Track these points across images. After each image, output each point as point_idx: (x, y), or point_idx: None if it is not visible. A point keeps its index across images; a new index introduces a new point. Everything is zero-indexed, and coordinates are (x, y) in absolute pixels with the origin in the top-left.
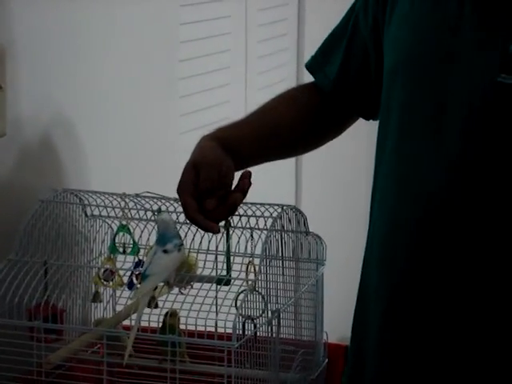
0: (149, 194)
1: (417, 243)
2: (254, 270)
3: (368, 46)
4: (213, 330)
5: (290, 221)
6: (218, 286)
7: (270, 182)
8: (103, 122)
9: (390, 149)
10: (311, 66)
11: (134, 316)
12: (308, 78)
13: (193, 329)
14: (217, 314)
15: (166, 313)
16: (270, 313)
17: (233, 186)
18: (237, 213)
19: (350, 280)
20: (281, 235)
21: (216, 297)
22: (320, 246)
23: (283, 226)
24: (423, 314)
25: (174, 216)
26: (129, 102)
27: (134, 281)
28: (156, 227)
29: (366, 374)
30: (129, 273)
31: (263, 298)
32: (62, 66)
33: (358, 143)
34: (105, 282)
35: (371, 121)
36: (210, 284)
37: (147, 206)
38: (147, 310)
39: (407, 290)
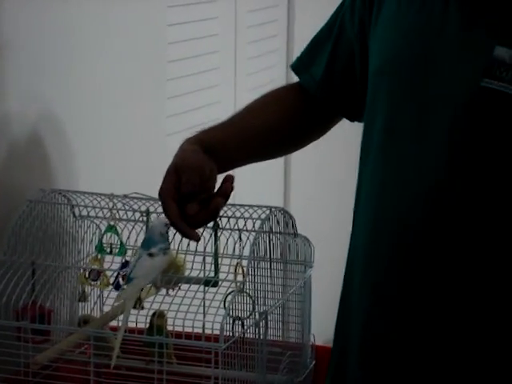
0: (137, 195)
1: (401, 244)
2: (242, 271)
3: (354, 47)
4: (200, 331)
5: (278, 223)
6: (206, 288)
7: (258, 183)
8: (91, 122)
9: (375, 151)
10: (297, 67)
11: (121, 317)
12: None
13: (180, 330)
14: (204, 316)
15: (154, 314)
16: (257, 314)
17: (215, 190)
18: (225, 214)
19: (337, 282)
20: (269, 237)
21: (204, 298)
22: (308, 248)
23: (271, 228)
24: (407, 314)
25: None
26: (117, 102)
27: (121, 282)
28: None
29: (348, 373)
30: (116, 273)
31: (251, 299)
32: (51, 67)
33: (347, 145)
34: (92, 282)
35: (356, 122)
36: (197, 285)
37: (135, 206)
38: (134, 311)
39: (390, 291)
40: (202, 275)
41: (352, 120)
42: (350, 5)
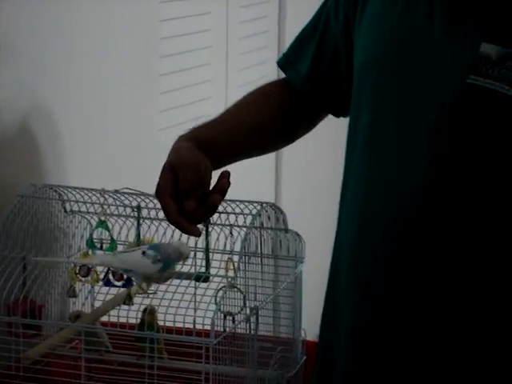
0: (128, 191)
1: (387, 239)
2: (233, 266)
3: (339, 44)
4: (191, 326)
5: (269, 218)
6: (197, 283)
7: (249, 179)
8: (83, 117)
9: (361, 147)
10: (283, 63)
11: (112, 312)
12: None
13: (171, 325)
14: (195, 311)
15: (145, 309)
16: (248, 310)
17: (211, 186)
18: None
19: None
20: (260, 232)
21: (195, 293)
22: (299, 243)
23: (262, 224)
24: (394, 309)
25: (154, 212)
26: (109, 98)
27: (111, 277)
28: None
29: (335, 369)
30: (105, 269)
31: (242, 294)
32: (43, 62)
33: (337, 141)
34: (82, 278)
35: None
36: (188, 280)
37: (126, 202)
38: (125, 306)
39: (377, 287)
40: (192, 270)
41: (337, 116)
42: (335, 1)
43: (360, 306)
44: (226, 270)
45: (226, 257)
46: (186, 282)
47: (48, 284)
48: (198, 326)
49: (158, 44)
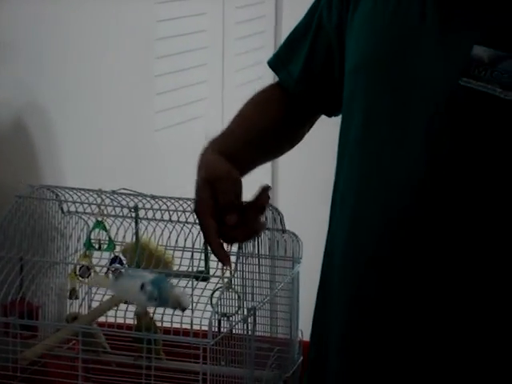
0: (125, 191)
1: (380, 240)
2: (230, 267)
3: (332, 44)
4: (188, 327)
5: (266, 218)
6: (195, 283)
7: (246, 180)
8: (80, 118)
9: (353, 148)
10: (274, 65)
11: (110, 313)
12: None
13: (169, 326)
14: (192, 312)
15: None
16: (245, 310)
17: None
18: None
19: None
20: None
21: (192, 294)
22: (296, 244)
23: None
24: (385, 314)
25: (151, 213)
26: (105, 98)
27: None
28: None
29: (328, 370)
30: (105, 269)
31: (239, 295)
32: (40, 62)
33: (334, 141)
34: (81, 279)
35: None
36: (185, 281)
37: (123, 202)
38: (123, 306)
39: (369, 292)
40: (190, 271)
41: (330, 116)
42: (328, 1)
43: (352, 306)
44: (223, 270)
45: None
46: (183, 283)
47: (45, 285)
48: (196, 327)
49: (154, 45)
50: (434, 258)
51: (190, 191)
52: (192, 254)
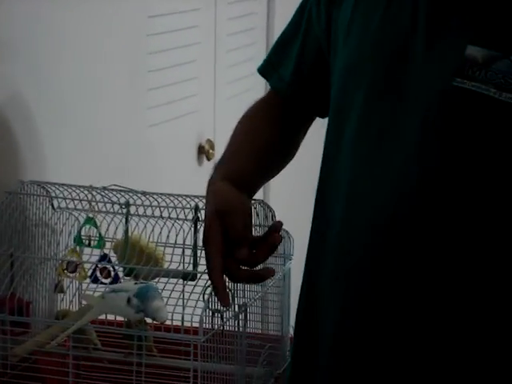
0: (116, 187)
1: (372, 243)
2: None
3: (322, 43)
4: (179, 323)
5: (257, 215)
6: (185, 281)
7: None
8: (72, 114)
9: (346, 149)
10: (265, 71)
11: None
12: None
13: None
14: (183, 308)
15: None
16: (236, 307)
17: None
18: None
19: None
20: None
21: (183, 291)
22: (288, 240)
23: None
24: (380, 317)
25: (142, 209)
26: (97, 94)
27: (98, 274)
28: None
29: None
30: (93, 266)
31: (230, 292)
32: (30, 59)
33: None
34: (70, 274)
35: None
36: (176, 278)
37: (114, 198)
38: None
39: (362, 294)
40: (181, 268)
41: (324, 117)
42: (316, 1)
43: (344, 308)
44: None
45: None
46: (174, 280)
47: (36, 281)
48: (187, 324)
49: (146, 40)
50: (426, 259)
51: (181, 187)
52: (183, 251)
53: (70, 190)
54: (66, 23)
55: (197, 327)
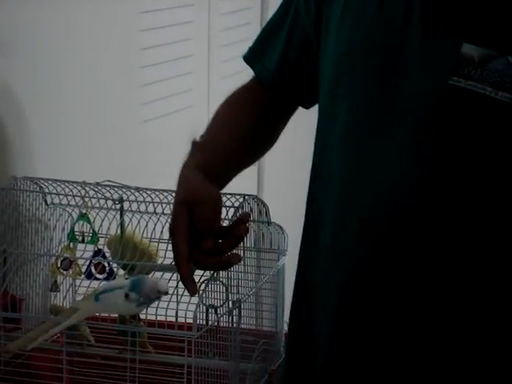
0: (109, 183)
1: (366, 244)
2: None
3: (310, 34)
4: (173, 319)
5: (251, 210)
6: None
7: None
8: (65, 110)
9: (337, 146)
10: (249, 58)
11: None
12: None
13: (153, 318)
14: (178, 304)
15: None
16: (230, 303)
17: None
18: None
19: None
20: None
21: (177, 286)
22: (281, 236)
23: None
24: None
25: (136, 205)
26: (91, 89)
27: (93, 270)
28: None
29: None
30: (88, 262)
31: (224, 287)
32: (20, 57)
33: None
34: (64, 272)
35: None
36: (170, 274)
37: (108, 194)
38: None
39: (358, 292)
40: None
41: (308, 107)
42: None
43: (338, 315)
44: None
45: None
46: (167, 275)
47: (29, 277)
48: (181, 320)
49: (140, 36)
50: (420, 260)
51: (175, 183)
52: None
53: (63, 186)
54: (58, 20)
55: (191, 323)
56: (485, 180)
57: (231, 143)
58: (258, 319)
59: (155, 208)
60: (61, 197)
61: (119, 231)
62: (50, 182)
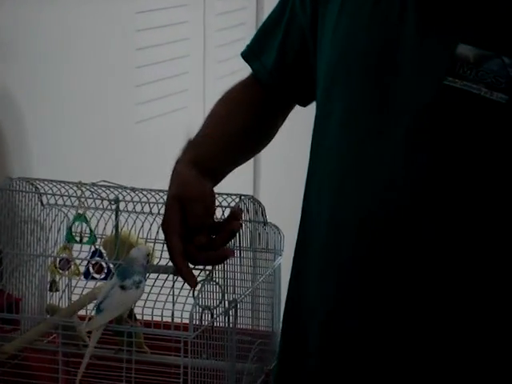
0: (105, 183)
1: (360, 244)
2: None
3: (306, 32)
4: (169, 320)
5: (247, 211)
6: (175, 277)
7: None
8: (60, 110)
9: (332, 146)
10: (247, 56)
11: (90, 306)
12: None
13: (149, 319)
14: (173, 305)
15: None
16: (227, 303)
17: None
18: None
19: None
20: None
21: (173, 287)
22: (278, 236)
23: None
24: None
25: (131, 205)
26: (86, 90)
27: (91, 270)
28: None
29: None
30: (85, 262)
31: (220, 288)
32: (17, 59)
33: None
34: (61, 271)
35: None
36: (166, 274)
37: (103, 194)
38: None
39: (353, 292)
40: (171, 264)
41: (305, 105)
42: None
43: (332, 314)
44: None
45: None
46: (163, 276)
47: (25, 278)
48: (177, 320)
49: (135, 36)
50: (414, 260)
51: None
52: None
53: (59, 187)
54: (53, 20)
55: (187, 323)
56: (479, 180)
57: (225, 139)
58: (254, 319)
59: (151, 208)
60: (56, 197)
61: (115, 232)
62: (45, 183)
